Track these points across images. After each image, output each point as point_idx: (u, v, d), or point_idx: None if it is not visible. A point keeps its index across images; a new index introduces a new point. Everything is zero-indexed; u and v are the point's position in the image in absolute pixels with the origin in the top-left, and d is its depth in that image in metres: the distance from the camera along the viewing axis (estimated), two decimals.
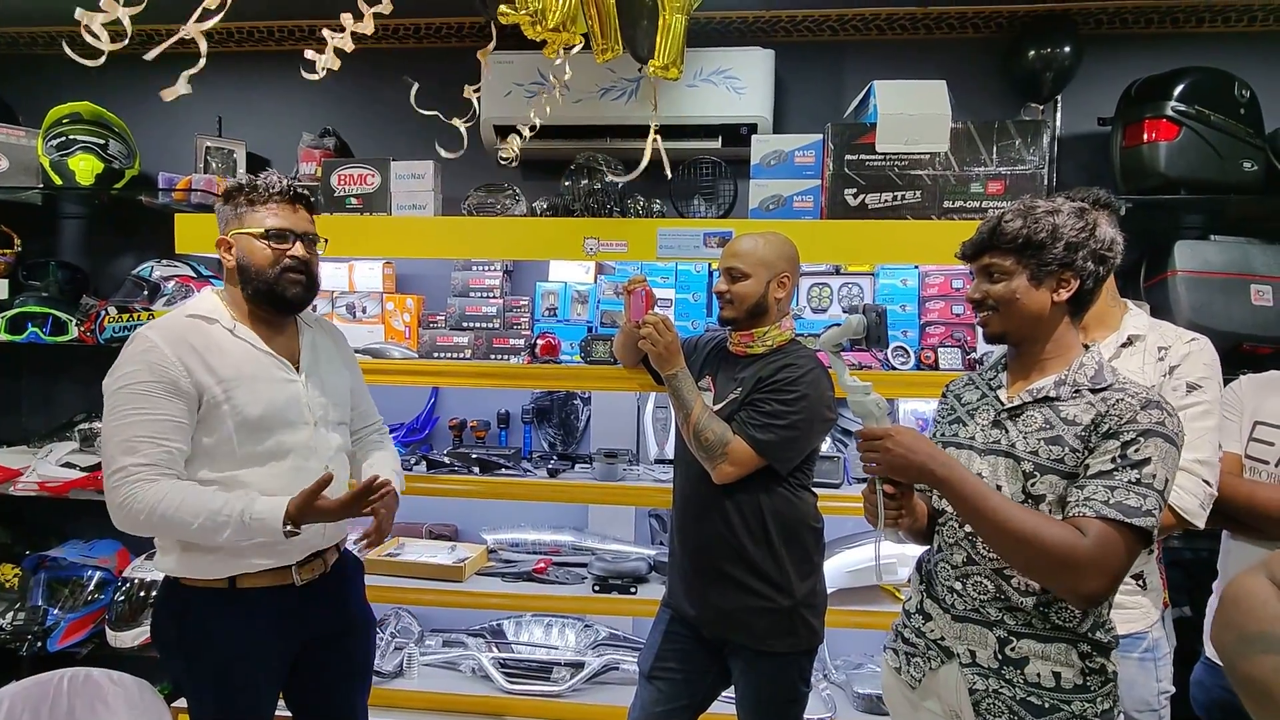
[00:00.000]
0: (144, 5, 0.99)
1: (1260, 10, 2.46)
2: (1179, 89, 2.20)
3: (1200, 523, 1.42)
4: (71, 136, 2.52)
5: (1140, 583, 1.56)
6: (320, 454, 1.53)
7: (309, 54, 1.33)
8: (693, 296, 2.47)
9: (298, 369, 1.55)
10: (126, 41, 1.02)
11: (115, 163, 2.57)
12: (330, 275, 2.60)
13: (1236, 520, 1.57)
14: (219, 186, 2.49)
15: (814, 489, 1.76)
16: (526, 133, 2.00)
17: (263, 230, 1.47)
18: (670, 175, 2.08)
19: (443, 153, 1.88)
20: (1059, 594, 1.16)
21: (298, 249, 1.50)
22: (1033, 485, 1.19)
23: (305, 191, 1.56)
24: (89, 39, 1.00)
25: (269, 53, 2.86)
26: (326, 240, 1.60)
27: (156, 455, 1.34)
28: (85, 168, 2.51)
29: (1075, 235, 1.20)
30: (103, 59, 1.07)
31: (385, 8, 1.44)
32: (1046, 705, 1.17)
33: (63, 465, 2.56)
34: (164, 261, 2.61)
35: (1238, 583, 0.82)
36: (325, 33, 1.37)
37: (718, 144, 2.50)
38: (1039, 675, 1.18)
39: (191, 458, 1.41)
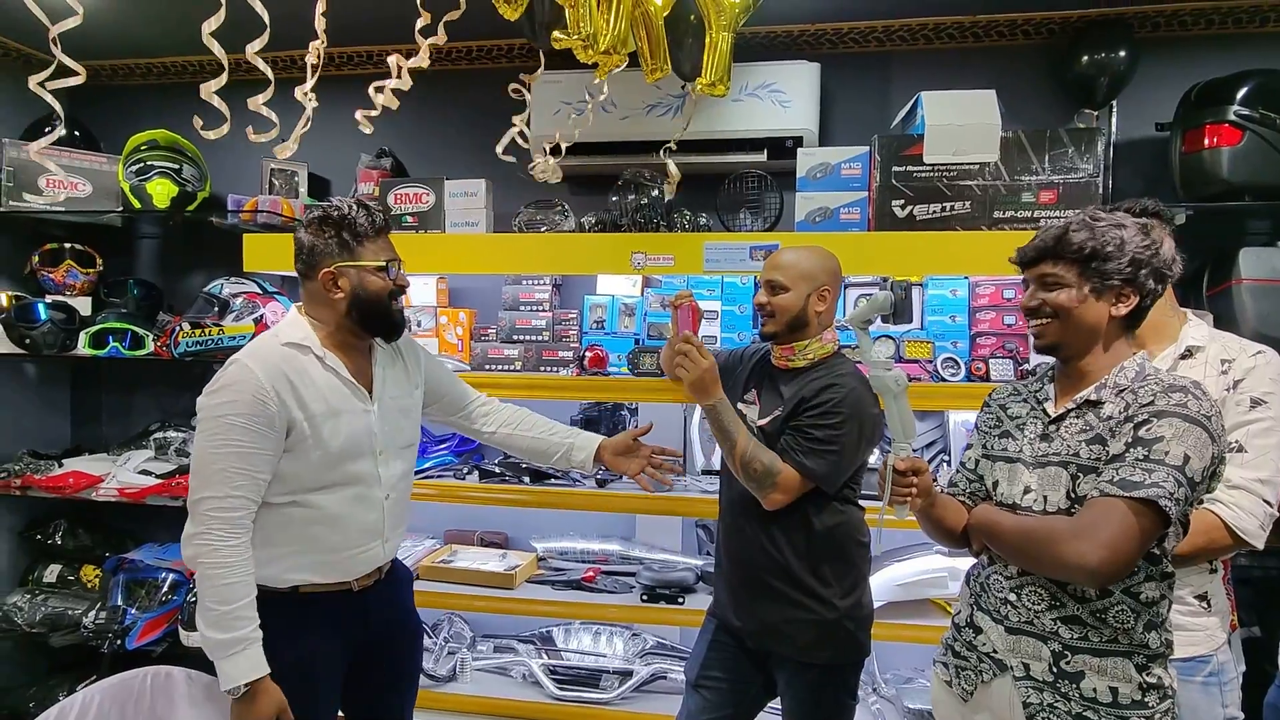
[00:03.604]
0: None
1: None
2: (1242, 92, 2.14)
3: (1260, 543, 1.38)
4: (149, 162, 2.67)
5: (1205, 604, 1.51)
6: (384, 483, 1.59)
7: (371, 90, 1.42)
8: (739, 309, 2.48)
9: (371, 398, 1.58)
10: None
11: (189, 186, 2.71)
12: None
13: None
14: (284, 207, 2.62)
15: (859, 502, 1.75)
16: (552, 157, 2.06)
17: (383, 264, 1.52)
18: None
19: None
20: (1063, 576, 1.18)
21: (403, 277, 1.58)
22: (1078, 486, 1.19)
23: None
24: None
25: (328, 77, 2.99)
26: (402, 262, 1.63)
27: (245, 487, 1.40)
28: (162, 191, 2.66)
29: (1141, 251, 1.20)
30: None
31: (440, 39, 1.52)
32: None
33: (139, 472, 2.71)
34: (232, 279, 2.74)
35: None
36: (391, 60, 1.45)
37: (763, 157, 2.52)
38: (1095, 690, 1.17)
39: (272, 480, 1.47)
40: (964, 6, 2.49)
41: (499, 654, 2.56)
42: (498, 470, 2.51)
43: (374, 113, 1.52)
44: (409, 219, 2.47)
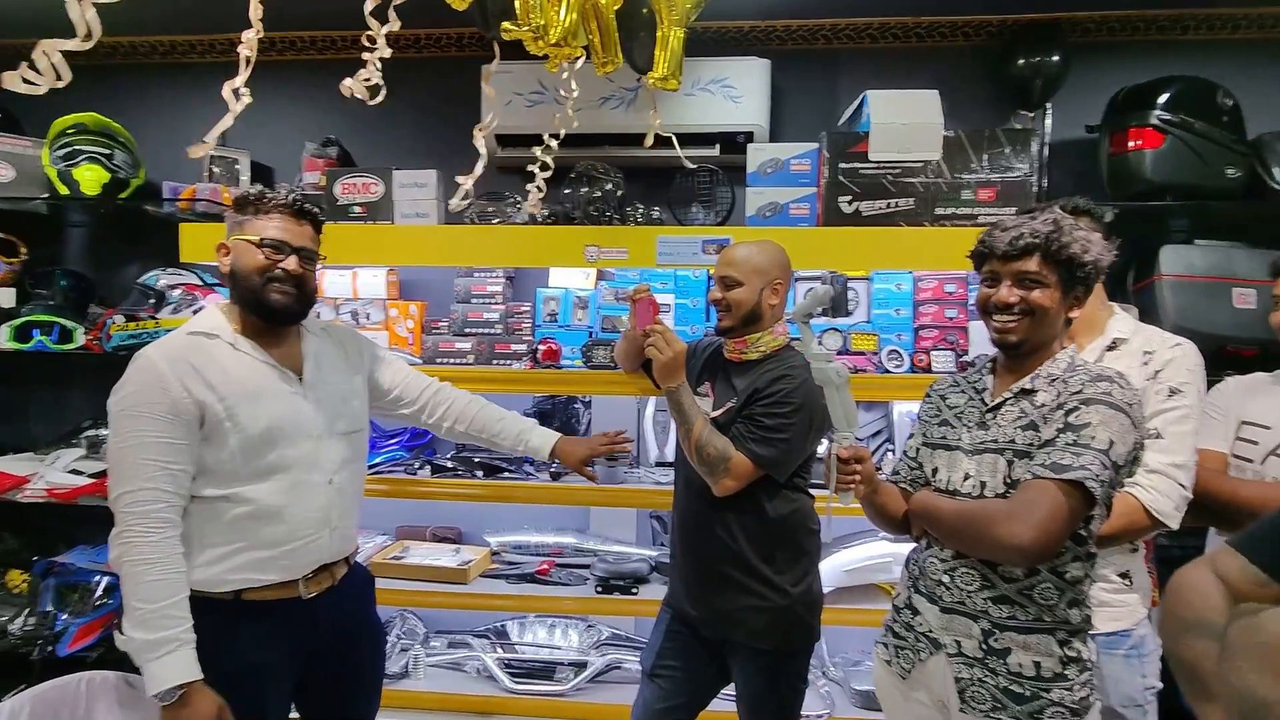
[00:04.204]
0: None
1: (1243, 20, 2.52)
2: (1164, 97, 2.26)
3: (1175, 524, 1.47)
4: (77, 147, 2.55)
5: (1127, 581, 1.61)
6: (323, 467, 1.54)
7: (344, 86, 1.40)
8: (692, 302, 2.51)
9: (300, 380, 1.55)
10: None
11: (120, 172, 2.60)
12: (334, 282, 2.64)
13: (1221, 517, 1.62)
14: (224, 196, 2.54)
15: (809, 491, 1.80)
16: (537, 191, 2.06)
17: (259, 238, 1.48)
18: (689, 166, 2.12)
19: (461, 180, 1.93)
20: (997, 556, 1.24)
21: (290, 263, 1.50)
22: (1013, 470, 1.25)
23: (315, 209, 1.58)
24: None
25: (271, 63, 2.90)
26: (325, 258, 1.60)
27: (159, 479, 1.35)
28: (91, 178, 2.55)
29: (1102, 260, 1.27)
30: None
31: (393, 25, 1.49)
32: (1028, 693, 1.22)
33: (70, 472, 2.60)
34: (169, 270, 2.64)
35: (1181, 574, 0.88)
36: (365, 57, 1.43)
37: (715, 151, 2.55)
38: (1020, 665, 1.24)
39: (197, 475, 1.42)
40: (908, 8, 2.57)
41: (453, 649, 2.55)
42: (450, 465, 2.49)
43: (356, 85, 1.48)
44: (357, 209, 2.42)
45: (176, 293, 2.61)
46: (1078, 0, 2.49)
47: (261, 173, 2.87)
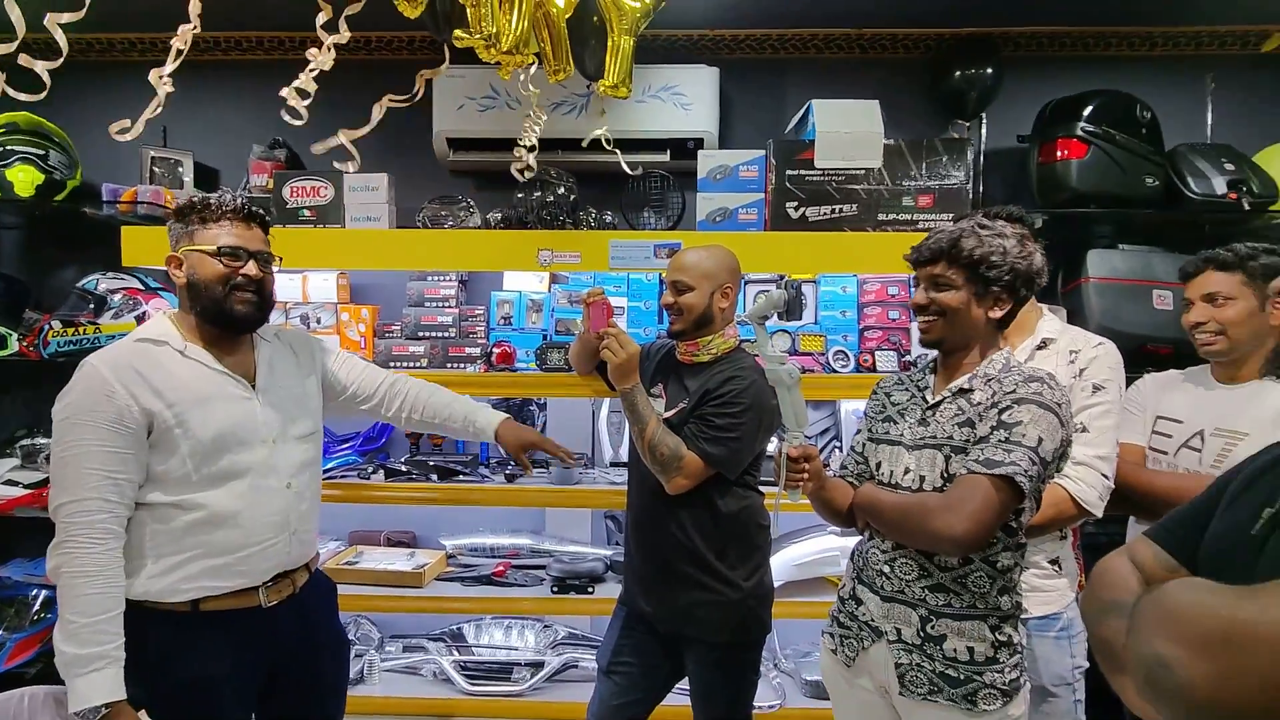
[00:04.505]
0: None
1: (1159, 38, 2.68)
2: (1088, 110, 2.39)
3: (1099, 512, 1.57)
4: (9, 147, 2.47)
5: (1056, 567, 1.70)
6: (281, 472, 1.53)
7: (284, 93, 1.40)
8: (645, 304, 2.56)
9: (253, 386, 1.53)
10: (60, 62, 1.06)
11: (56, 174, 2.53)
12: (284, 286, 2.60)
13: (1139, 506, 1.73)
14: (166, 198, 2.48)
15: (759, 488, 1.86)
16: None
17: (215, 248, 1.46)
18: (630, 173, 2.14)
19: (344, 136, 1.87)
20: (933, 546, 1.30)
21: (250, 268, 1.48)
22: (950, 465, 1.32)
23: (261, 210, 1.56)
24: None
25: (216, 62, 2.85)
26: (280, 259, 1.59)
27: (103, 489, 1.33)
28: (24, 179, 2.47)
29: (1019, 261, 1.34)
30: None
31: (343, 38, 1.50)
32: (962, 677, 1.30)
33: (5, 483, 2.50)
34: (110, 274, 2.57)
35: (1103, 561, 0.95)
36: (320, 58, 1.43)
37: (666, 157, 2.60)
38: (955, 650, 1.31)
39: (145, 482, 1.40)
40: (851, 19, 2.65)
41: (408, 653, 2.54)
42: (404, 469, 2.48)
43: (305, 98, 1.47)
44: (306, 212, 2.40)
45: (118, 297, 2.54)
46: (1009, 16, 2.61)
47: (206, 175, 2.81)
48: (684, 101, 2.54)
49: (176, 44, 1.40)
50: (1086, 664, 1.73)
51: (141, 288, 2.58)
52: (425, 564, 2.50)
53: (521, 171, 2.09)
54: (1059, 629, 1.69)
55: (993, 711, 1.29)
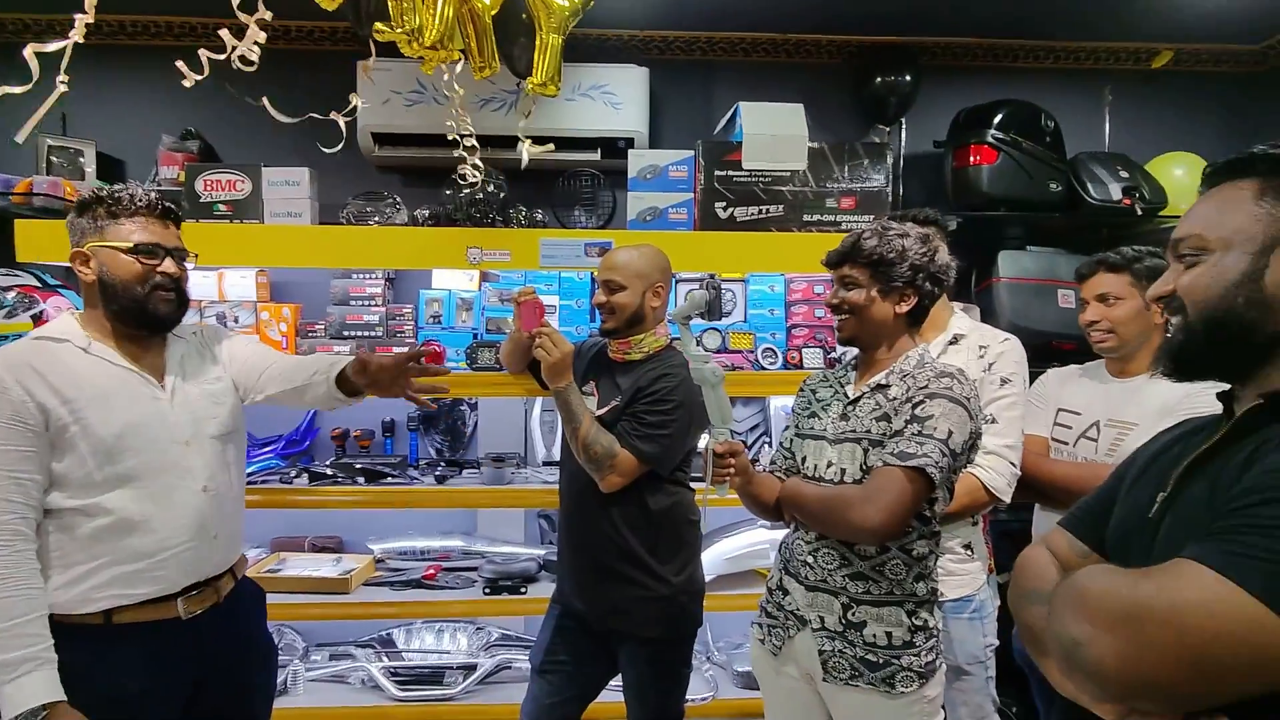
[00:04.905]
0: None
1: (1062, 52, 2.85)
2: (998, 118, 2.53)
3: (1007, 498, 1.67)
4: None
5: (969, 551, 1.80)
6: (196, 474, 1.46)
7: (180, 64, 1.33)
8: (576, 303, 2.55)
9: (163, 385, 1.47)
10: None
11: None
12: (198, 284, 2.49)
13: (1044, 494, 1.83)
14: (66, 190, 2.34)
15: (690, 485, 1.88)
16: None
17: (130, 245, 1.40)
18: (527, 160, 2.06)
19: (324, 150, 1.82)
20: (851, 537, 1.36)
21: (169, 265, 1.43)
22: (868, 458, 1.37)
23: (173, 205, 1.50)
24: None
25: (121, 47, 2.70)
26: (196, 255, 1.53)
27: (7, 489, 1.28)
28: None
29: (919, 258, 1.40)
30: None
31: (265, 15, 1.44)
32: (880, 661, 1.35)
33: None
34: (3, 270, 2.40)
35: (1024, 552, 1.01)
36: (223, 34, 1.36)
37: (597, 156, 2.60)
38: (875, 635, 1.36)
39: (48, 486, 1.33)
40: (777, 25, 2.72)
41: (335, 661, 2.47)
42: (329, 472, 2.41)
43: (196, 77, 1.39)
44: (221, 207, 2.30)
45: (11, 295, 2.37)
46: (927, 26, 2.73)
47: (110, 166, 2.66)
48: (614, 101, 2.55)
49: (74, 35, 1.31)
50: (997, 642, 1.83)
51: (38, 285, 2.42)
52: (352, 569, 2.43)
53: (463, 176, 2.05)
54: (972, 610, 1.79)
55: (910, 693, 1.35)
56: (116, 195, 1.43)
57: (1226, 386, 0.85)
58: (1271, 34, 2.80)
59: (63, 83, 1.29)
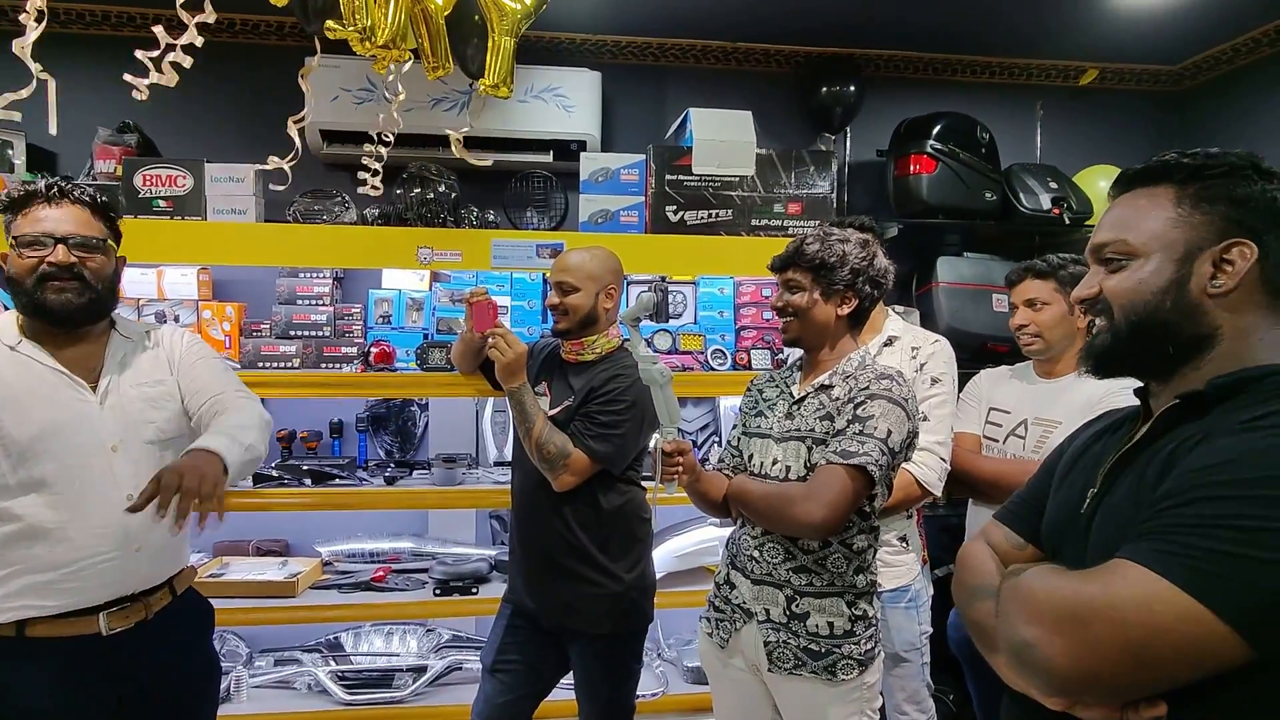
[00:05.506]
0: None
1: (997, 67, 2.98)
2: (936, 129, 2.63)
3: (938, 492, 1.75)
4: None
5: (905, 543, 1.88)
6: (121, 481, 1.38)
7: (128, 77, 1.31)
8: (528, 304, 2.56)
9: (95, 386, 1.41)
10: None
11: None
12: (136, 281, 2.42)
13: (975, 489, 1.92)
14: None
15: (641, 483, 1.91)
16: (373, 190, 2.01)
17: (14, 237, 1.35)
18: (456, 153, 2.05)
19: (276, 161, 1.81)
20: (795, 532, 1.41)
21: (58, 254, 1.35)
22: (812, 456, 1.42)
23: (77, 188, 1.42)
24: None
25: (56, 35, 2.58)
26: (110, 240, 1.44)
27: None
28: None
29: (859, 262, 1.46)
30: None
31: (209, 16, 1.42)
32: (823, 650, 1.41)
33: None
34: None
35: (964, 548, 1.05)
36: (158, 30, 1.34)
37: (549, 158, 2.62)
38: (817, 626, 1.42)
39: None
40: (727, 33, 2.78)
41: (280, 667, 2.43)
42: (275, 474, 2.36)
43: (145, 83, 1.37)
44: (161, 203, 2.24)
45: None
46: (870, 39, 2.82)
47: (41, 158, 2.56)
48: (567, 104, 2.57)
49: (30, 22, 1.28)
50: (930, 629, 1.92)
51: None
52: (299, 573, 2.39)
53: (365, 180, 2.05)
54: (908, 600, 1.87)
55: (850, 680, 1.40)
56: (12, 193, 1.38)
57: (1142, 384, 0.88)
58: (1189, 55, 2.98)
59: (41, 71, 1.27)
